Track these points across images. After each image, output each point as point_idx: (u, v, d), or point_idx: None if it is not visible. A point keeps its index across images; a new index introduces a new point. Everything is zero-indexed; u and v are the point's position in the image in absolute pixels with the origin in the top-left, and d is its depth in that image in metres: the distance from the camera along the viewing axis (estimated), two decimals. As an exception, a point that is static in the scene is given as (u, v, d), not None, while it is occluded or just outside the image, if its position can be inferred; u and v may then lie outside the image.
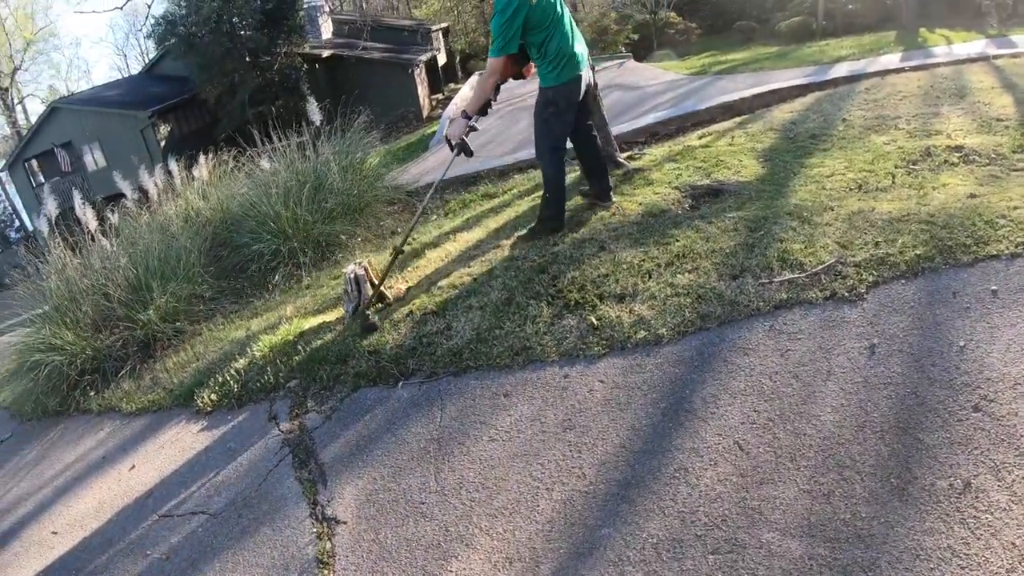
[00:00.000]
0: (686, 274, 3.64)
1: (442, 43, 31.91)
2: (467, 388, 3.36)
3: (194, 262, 6.70)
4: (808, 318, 3.17)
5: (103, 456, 4.74)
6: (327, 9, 31.57)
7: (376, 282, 4.45)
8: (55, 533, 4.08)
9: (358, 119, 8.36)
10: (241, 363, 4.60)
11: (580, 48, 4.37)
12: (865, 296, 3.18)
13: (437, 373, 3.54)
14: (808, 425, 2.60)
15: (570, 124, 4.44)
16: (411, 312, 4.04)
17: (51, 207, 7.21)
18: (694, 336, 3.25)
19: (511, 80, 4.57)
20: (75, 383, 5.98)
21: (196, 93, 24.74)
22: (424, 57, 26.77)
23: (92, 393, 5.81)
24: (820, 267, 3.46)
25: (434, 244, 5.38)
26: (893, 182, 4.54)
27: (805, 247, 3.67)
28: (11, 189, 31.01)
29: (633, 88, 13.35)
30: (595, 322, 3.43)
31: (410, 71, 25.07)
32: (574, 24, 4.48)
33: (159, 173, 8.82)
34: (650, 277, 3.67)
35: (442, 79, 30.38)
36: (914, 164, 4.80)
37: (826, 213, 4.08)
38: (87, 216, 7.19)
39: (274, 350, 4.49)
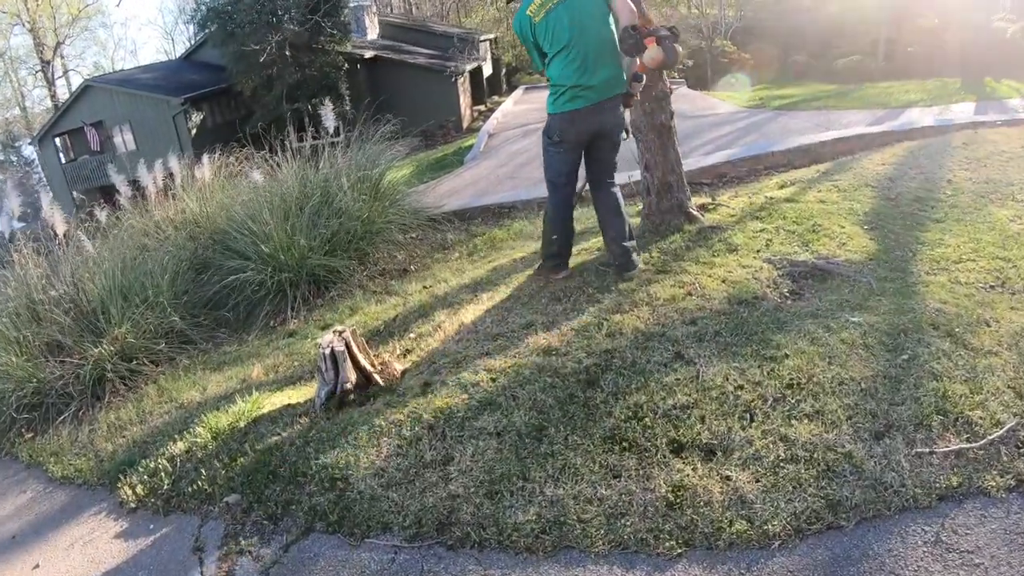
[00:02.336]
0: (805, 421, 2.44)
1: (489, 54, 30.98)
2: (463, 579, 2.18)
3: (166, 285, 5.60)
4: (987, 524, 2.07)
5: (13, 536, 3.69)
6: (375, 10, 30.83)
7: (362, 358, 3.31)
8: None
9: (382, 127, 7.26)
10: (179, 447, 3.47)
11: (592, 83, 3.65)
12: (1066, 492, 2.14)
13: (422, 535, 2.36)
14: None
15: (569, 163, 3.87)
16: (400, 421, 2.86)
17: (14, 205, 6.15)
18: (820, 539, 2.07)
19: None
20: (12, 420, 4.93)
21: (232, 84, 23.99)
22: (469, 66, 25.79)
23: (29, 435, 4.77)
24: (996, 433, 2.37)
25: (448, 302, 4.22)
26: (1042, 281, 3.50)
27: (971, 392, 2.58)
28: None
29: (688, 117, 12.26)
30: (669, 493, 2.24)
31: (453, 79, 24.07)
32: (606, 56, 3.66)
33: (159, 169, 7.82)
34: (752, 419, 2.47)
35: (486, 90, 29.40)
36: (1055, 254, 3.82)
37: (982, 330, 3.01)
38: (55, 218, 6.16)
39: (219, 438, 3.35)
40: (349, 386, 3.21)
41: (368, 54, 24.58)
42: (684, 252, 3.96)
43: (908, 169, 6.04)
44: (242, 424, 3.38)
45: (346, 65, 23.46)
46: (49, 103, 42.07)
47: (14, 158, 41.67)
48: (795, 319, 3.07)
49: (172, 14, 71.90)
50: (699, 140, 10.00)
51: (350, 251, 5.73)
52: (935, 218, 4.77)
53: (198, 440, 3.46)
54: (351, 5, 26.04)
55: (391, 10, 40.22)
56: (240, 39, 22.39)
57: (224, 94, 24.87)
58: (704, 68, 26.99)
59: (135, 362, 5.10)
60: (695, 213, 4.48)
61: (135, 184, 7.91)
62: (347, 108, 21.11)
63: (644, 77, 3.81)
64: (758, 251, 3.92)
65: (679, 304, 3.29)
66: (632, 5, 3.64)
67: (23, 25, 40.89)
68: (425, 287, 4.73)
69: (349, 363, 3.22)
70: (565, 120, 3.74)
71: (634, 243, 3.99)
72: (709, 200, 5.05)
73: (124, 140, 26.01)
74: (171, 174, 7.82)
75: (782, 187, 5.80)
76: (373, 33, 28.31)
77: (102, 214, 7.36)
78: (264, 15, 22.37)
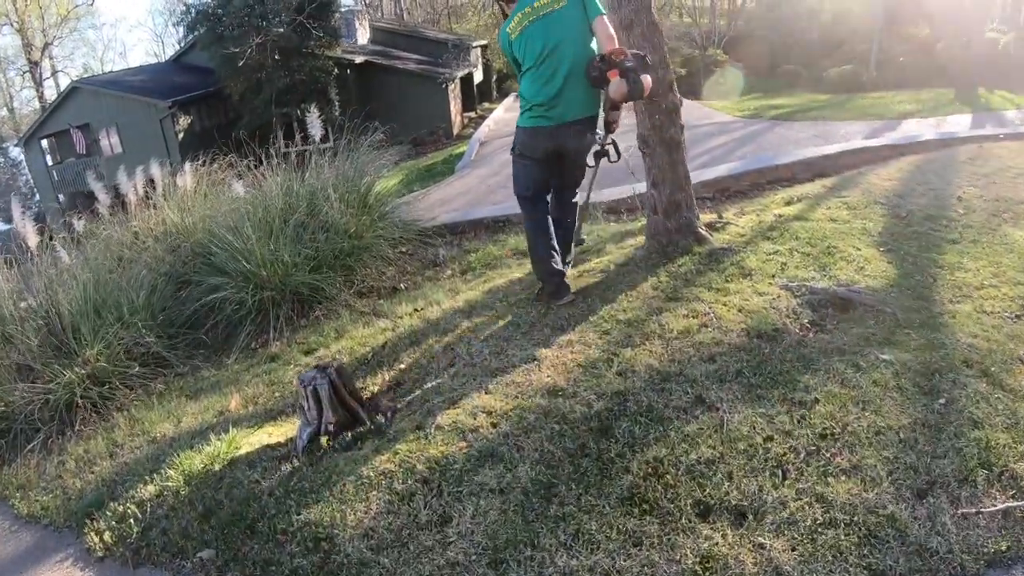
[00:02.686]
0: (842, 478, 2.19)
1: (480, 60, 30.75)
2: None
3: (142, 302, 5.30)
4: (1039, 594, 1.85)
5: (-26, 584, 3.40)
6: (366, 14, 30.57)
7: (347, 395, 3.03)
8: None
9: (370, 135, 6.97)
10: (149, 490, 3.17)
11: (557, 103, 3.61)
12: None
13: (417, 610, 2.09)
14: None
15: (533, 177, 3.85)
16: (391, 472, 2.58)
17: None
18: (868, 618, 1.82)
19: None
20: (-22, 450, 4.63)
21: (220, 87, 23.65)
22: (460, 73, 25.55)
23: (-3, 464, 4.47)
24: (1043, 488, 2.18)
25: (441, 328, 3.94)
26: (1068, 311, 3.27)
27: (1014, 441, 2.36)
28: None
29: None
30: (697, 565, 1.97)
31: (444, 86, 23.81)
32: (576, 79, 3.56)
33: (140, 176, 7.53)
34: (784, 476, 2.21)
35: (477, 97, 29.16)
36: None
37: (1017, 369, 2.83)
38: (27, 229, 5.84)
39: (192, 483, 3.06)
40: (334, 427, 2.94)
41: (358, 59, 24.30)
42: (695, 277, 3.71)
43: (916, 185, 5.85)
44: (217, 467, 3.09)
45: (336, 70, 23.18)
46: (37, 104, 41.66)
47: (1, 159, 41.23)
48: (821, 356, 2.82)
49: (162, 16, 71.55)
50: (696, 150, 9.84)
51: (336, 267, 5.44)
52: (950, 239, 4.58)
53: (169, 484, 3.16)
54: (341, 9, 25.79)
55: (382, 15, 39.98)
56: (228, 42, 22.08)
57: (213, 98, 24.54)
58: (697, 77, 26.89)
59: (107, 387, 4.80)
60: (704, 233, 4.23)
61: (115, 190, 7.64)
62: (336, 114, 20.84)
63: (622, 107, 3.69)
64: (773, 276, 3.67)
65: (694, 337, 3.03)
66: (611, 32, 3.54)
67: (11, 25, 40.47)
68: (416, 310, 4.45)
69: (334, 402, 2.94)
70: (528, 135, 3.75)
71: (571, 261, 4.17)
72: (716, 217, 4.81)
73: (111, 143, 25.63)
74: (151, 181, 7.54)
75: (789, 203, 5.59)
76: (364, 38, 28.03)
77: (79, 223, 7.06)
78: (253, 18, 22.07)
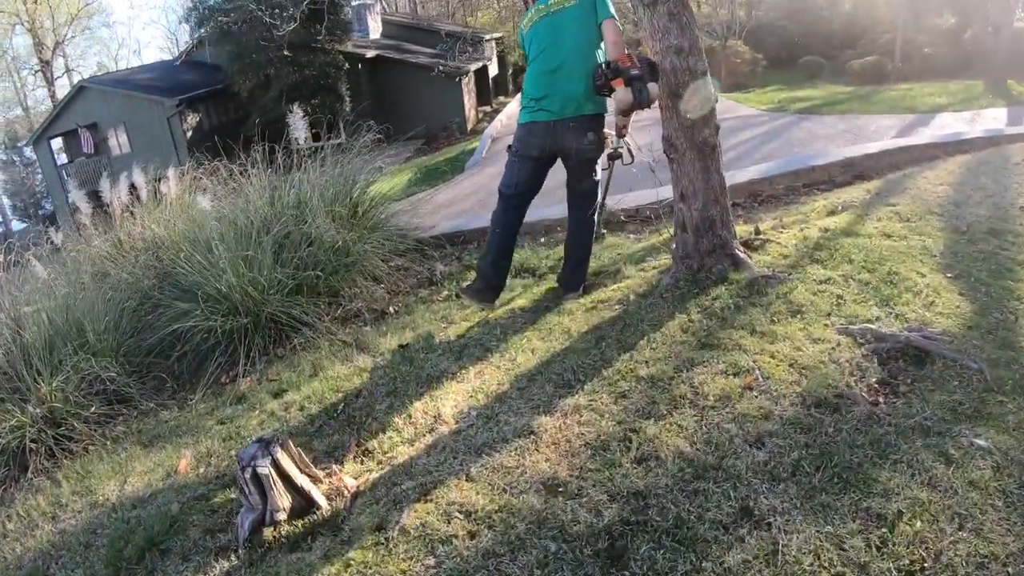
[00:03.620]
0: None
1: (495, 53, 30.08)
2: None
3: (106, 328, 4.74)
4: None
5: None
6: (378, 8, 30.00)
7: (297, 475, 2.43)
8: None
9: (364, 135, 6.35)
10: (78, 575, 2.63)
11: (554, 98, 3.63)
12: None
13: None
14: None
15: (520, 176, 3.84)
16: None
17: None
18: None
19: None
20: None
21: (228, 84, 23.21)
22: (474, 66, 24.90)
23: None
24: None
25: (425, 373, 3.30)
26: None
27: None
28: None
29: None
30: None
31: (457, 79, 23.17)
32: (574, 75, 3.57)
33: (124, 183, 7.02)
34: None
35: (492, 91, 28.50)
36: None
37: None
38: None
39: (121, 572, 2.50)
40: (283, 516, 2.34)
41: (370, 53, 23.75)
42: (733, 315, 3.05)
43: (971, 191, 5.18)
44: (147, 557, 2.51)
45: (347, 65, 22.64)
46: (49, 104, 41.68)
47: (16, 158, 41.41)
48: (900, 439, 2.16)
49: (175, 13, 71.59)
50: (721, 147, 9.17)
51: (319, 288, 4.84)
52: (1020, 260, 3.91)
53: (97, 570, 2.60)
54: (353, 3, 25.27)
55: (396, 8, 39.41)
56: (234, 38, 21.64)
57: (220, 95, 24.14)
58: (718, 68, 26.01)
59: (64, 428, 4.26)
60: (742, 256, 3.56)
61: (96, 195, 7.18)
62: (347, 109, 20.35)
63: (631, 113, 3.58)
64: (829, 315, 3.01)
65: (736, 406, 2.38)
66: (617, 37, 3.48)
67: (23, 24, 40.45)
68: (401, 346, 3.83)
69: (280, 485, 2.34)
70: (526, 131, 3.77)
71: (579, 293, 3.90)
72: (753, 233, 4.14)
73: (119, 142, 25.37)
74: (133, 186, 7.03)
75: (832, 213, 4.94)
76: (376, 32, 27.51)
77: (57, 235, 6.58)
78: (261, 13, 21.57)
